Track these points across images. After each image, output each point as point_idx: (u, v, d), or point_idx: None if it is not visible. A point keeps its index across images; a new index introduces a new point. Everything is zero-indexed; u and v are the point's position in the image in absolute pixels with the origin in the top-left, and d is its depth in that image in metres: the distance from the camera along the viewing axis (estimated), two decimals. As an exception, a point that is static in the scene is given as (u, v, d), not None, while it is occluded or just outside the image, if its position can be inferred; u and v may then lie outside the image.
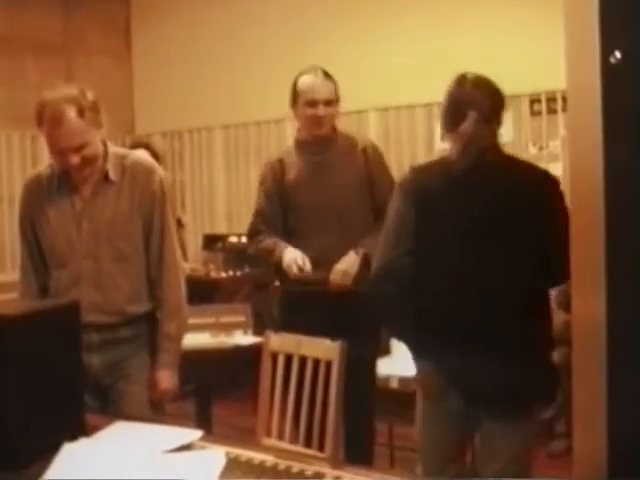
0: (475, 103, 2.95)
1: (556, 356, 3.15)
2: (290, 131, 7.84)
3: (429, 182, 2.95)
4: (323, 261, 3.93)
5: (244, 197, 8.26)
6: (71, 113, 2.92)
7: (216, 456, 1.83)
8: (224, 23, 8.21)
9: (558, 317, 3.44)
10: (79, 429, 1.97)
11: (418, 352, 3.05)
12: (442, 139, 3.14)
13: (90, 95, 3.02)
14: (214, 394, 4.70)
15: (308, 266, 3.90)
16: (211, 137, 8.51)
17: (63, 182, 3.10)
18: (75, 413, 2.01)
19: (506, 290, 2.81)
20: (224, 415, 5.14)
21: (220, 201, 8.50)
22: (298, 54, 7.69)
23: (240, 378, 5.35)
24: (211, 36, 8.33)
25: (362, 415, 4.10)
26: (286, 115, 7.71)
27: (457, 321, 2.82)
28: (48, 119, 2.92)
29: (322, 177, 4.01)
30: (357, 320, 3.84)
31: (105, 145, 3.14)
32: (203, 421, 4.37)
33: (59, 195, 3.10)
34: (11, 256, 7.73)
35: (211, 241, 8.08)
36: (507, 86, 6.30)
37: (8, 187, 7.87)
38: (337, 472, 2.10)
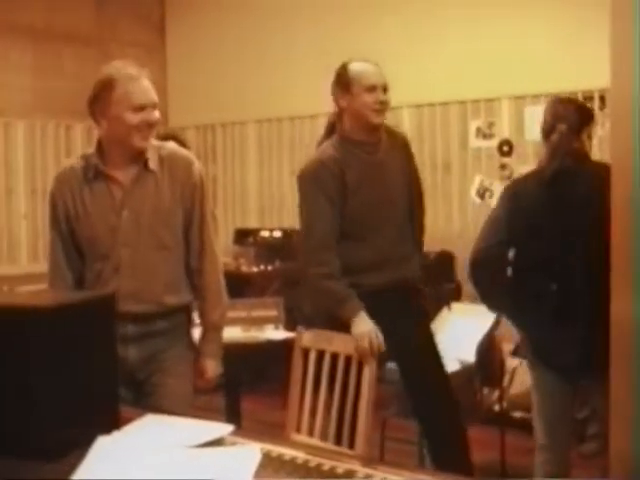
0: (564, 117, 3.52)
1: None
2: (323, 125, 7.83)
3: (526, 185, 3.62)
4: (382, 263, 3.80)
5: (276, 192, 8.27)
6: (145, 74, 3.11)
7: (251, 452, 1.82)
8: (259, 16, 8.20)
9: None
10: (113, 422, 1.97)
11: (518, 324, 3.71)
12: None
13: None
14: (243, 388, 4.70)
15: (381, 342, 3.57)
16: (244, 132, 8.52)
17: (99, 172, 3.08)
18: (110, 406, 2.01)
19: (586, 277, 3.36)
20: (253, 409, 5.14)
21: (252, 196, 8.50)
22: (332, 50, 7.67)
23: (269, 372, 5.36)
24: (245, 29, 8.32)
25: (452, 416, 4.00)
26: (320, 111, 7.78)
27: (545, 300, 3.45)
28: (129, 77, 3.04)
29: (380, 176, 3.82)
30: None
31: None
32: (232, 415, 4.37)
33: (96, 185, 3.09)
34: (44, 247, 7.80)
35: (242, 235, 8.10)
36: (543, 85, 6.31)
37: (42, 177, 7.92)
38: (368, 470, 2.08)
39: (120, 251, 3.07)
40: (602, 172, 3.10)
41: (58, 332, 1.83)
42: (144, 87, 3.05)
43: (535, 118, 6.53)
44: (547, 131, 3.58)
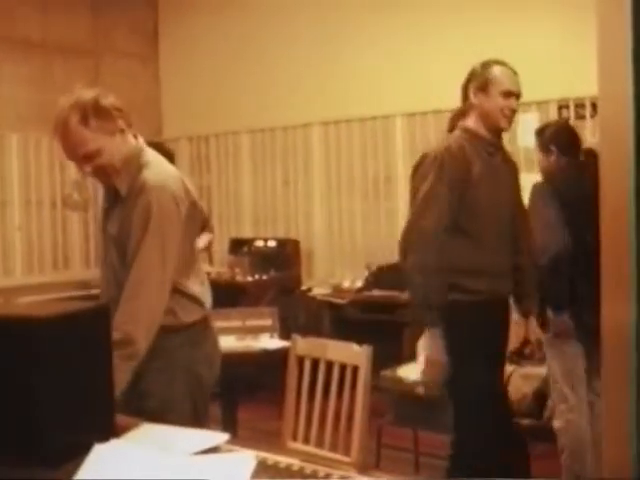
0: None
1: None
2: (317, 136, 7.87)
3: (563, 180, 4.27)
4: (496, 268, 3.73)
5: (270, 202, 8.29)
6: (73, 121, 2.81)
7: (246, 459, 1.83)
8: (251, 28, 8.23)
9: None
10: (110, 430, 1.98)
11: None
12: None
13: (104, 100, 2.89)
14: (240, 397, 4.70)
15: (440, 368, 3.61)
16: (238, 141, 8.54)
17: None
18: (106, 414, 2.02)
19: None
20: (249, 418, 5.14)
21: (246, 205, 8.52)
22: (325, 59, 7.72)
23: (266, 381, 5.36)
24: (238, 41, 8.35)
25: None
26: (313, 120, 7.83)
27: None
28: (54, 127, 2.85)
29: (497, 179, 3.78)
30: None
31: (134, 153, 3.00)
32: (228, 424, 4.37)
33: (105, 195, 3.12)
34: (39, 259, 7.86)
35: (237, 245, 8.12)
36: (535, 92, 6.33)
37: (36, 189, 7.94)
38: (363, 477, 2.10)
39: (103, 266, 3.11)
40: None
41: (53, 342, 1.84)
42: None
43: (527, 125, 6.58)
44: None
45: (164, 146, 6.00)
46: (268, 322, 4.61)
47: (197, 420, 2.96)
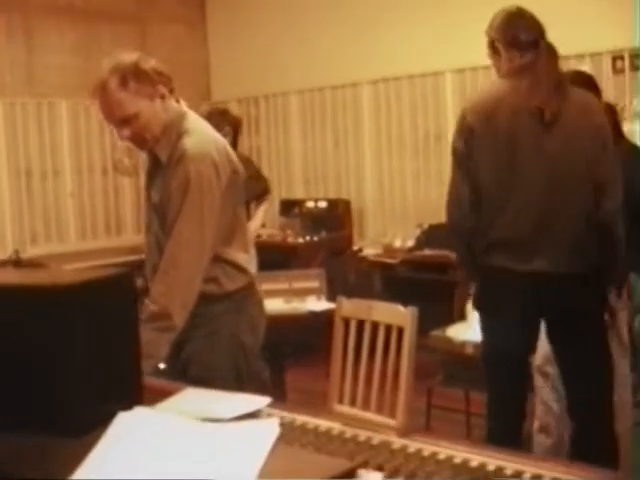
0: None
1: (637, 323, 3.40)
2: (366, 95, 7.79)
3: None
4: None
5: (320, 162, 8.25)
6: (112, 83, 2.79)
7: (269, 427, 1.80)
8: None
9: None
10: (136, 398, 1.97)
11: None
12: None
13: (145, 64, 2.85)
14: (289, 359, 4.71)
15: None
16: (287, 102, 8.50)
17: None
18: (132, 382, 2.00)
19: None
20: (298, 380, 5.15)
21: (297, 166, 8.49)
22: (373, 17, 7.62)
23: (313, 343, 5.36)
24: (285, 2, 8.29)
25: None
26: (362, 79, 7.74)
27: None
28: (93, 91, 2.83)
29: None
30: None
31: (175, 119, 2.96)
32: (276, 387, 4.37)
33: (147, 163, 3.11)
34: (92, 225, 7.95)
35: (288, 206, 8.11)
36: (588, 44, 6.18)
37: (87, 156, 7.99)
38: (404, 441, 2.06)
39: (150, 231, 3.10)
40: None
41: (77, 309, 1.83)
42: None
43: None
44: None
45: (229, 113, 5.97)
46: (315, 284, 4.59)
47: (241, 386, 2.95)
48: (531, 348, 3.50)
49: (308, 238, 7.42)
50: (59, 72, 7.73)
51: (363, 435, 2.11)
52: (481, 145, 3.25)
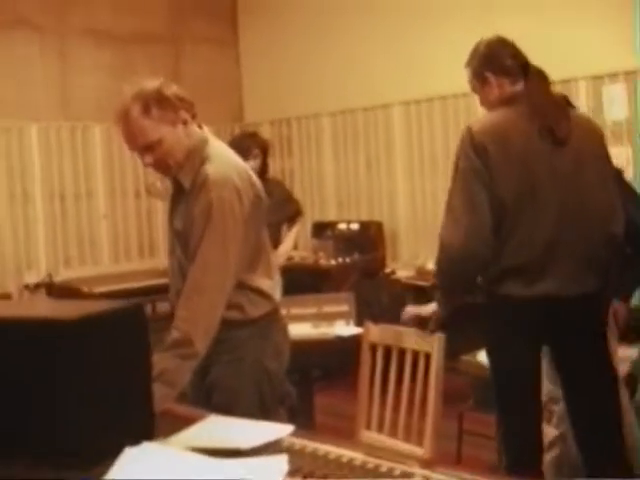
0: None
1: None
2: (398, 116, 7.77)
3: None
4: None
5: (353, 184, 8.23)
6: (134, 111, 2.78)
7: (278, 463, 1.78)
8: (331, 9, 8.16)
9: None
10: (147, 432, 1.95)
11: None
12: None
13: (167, 89, 2.85)
14: (317, 383, 4.68)
15: None
16: (319, 124, 8.49)
17: None
18: (142, 416, 1.99)
19: None
20: (327, 404, 5.11)
21: (329, 188, 8.47)
22: (405, 39, 7.61)
23: (343, 366, 5.31)
24: (318, 22, 8.30)
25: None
26: (393, 100, 7.72)
27: None
28: (116, 117, 2.84)
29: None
30: None
31: (198, 145, 2.95)
32: (305, 411, 4.34)
33: (170, 188, 3.08)
34: (125, 248, 7.98)
35: (321, 228, 8.09)
36: (621, 62, 6.12)
37: (120, 178, 8.04)
38: (426, 472, 2.02)
39: (173, 256, 3.08)
40: None
41: (84, 344, 1.82)
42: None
43: (614, 97, 6.37)
44: None
45: (258, 136, 5.97)
46: (344, 308, 4.56)
47: (265, 412, 2.92)
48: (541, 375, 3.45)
49: (340, 260, 7.38)
50: (93, 95, 7.77)
51: (385, 466, 2.07)
52: (496, 166, 3.17)
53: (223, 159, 2.97)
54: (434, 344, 3.12)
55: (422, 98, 7.54)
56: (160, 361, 2.61)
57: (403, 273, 7.20)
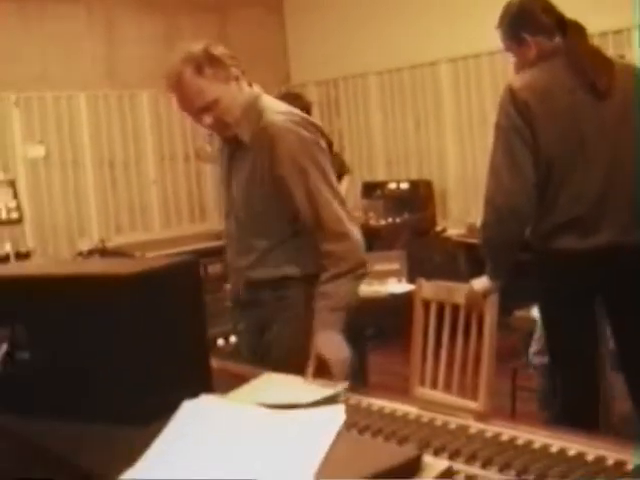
0: None
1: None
2: (446, 73, 7.70)
3: None
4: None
5: (401, 143, 8.19)
6: (187, 73, 2.76)
7: (335, 414, 1.78)
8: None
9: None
10: (205, 386, 1.97)
11: None
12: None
13: (215, 49, 2.84)
14: (370, 342, 4.69)
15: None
16: (366, 84, 8.45)
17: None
18: (200, 370, 2.01)
19: None
20: (380, 363, 5.12)
21: (378, 148, 8.44)
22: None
23: (395, 325, 5.32)
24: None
25: None
26: (440, 57, 7.65)
27: None
28: (169, 85, 2.82)
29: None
30: None
31: (252, 100, 2.95)
32: (359, 370, 4.35)
33: (225, 150, 3.08)
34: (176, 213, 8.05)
35: (370, 188, 8.06)
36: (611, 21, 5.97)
37: (169, 144, 8.09)
38: (481, 425, 2.02)
39: (227, 220, 3.09)
40: None
41: (141, 299, 1.83)
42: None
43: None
44: None
45: (302, 97, 5.97)
46: (396, 266, 4.56)
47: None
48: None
49: (390, 220, 7.37)
50: (140, 63, 7.82)
51: (440, 420, 2.07)
52: (540, 122, 3.15)
53: (282, 108, 2.97)
54: (488, 302, 3.13)
55: (470, 54, 7.45)
56: (339, 288, 2.83)
57: (454, 231, 7.18)
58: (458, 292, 3.30)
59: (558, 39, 3.29)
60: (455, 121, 7.74)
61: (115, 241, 7.54)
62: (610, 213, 3.20)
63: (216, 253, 5.48)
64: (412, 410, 2.15)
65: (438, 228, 7.43)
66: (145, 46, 7.89)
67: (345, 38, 8.37)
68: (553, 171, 3.17)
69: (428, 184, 7.73)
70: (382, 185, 7.97)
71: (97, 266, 2.24)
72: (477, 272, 3.46)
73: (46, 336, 1.98)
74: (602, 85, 3.18)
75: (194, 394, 1.84)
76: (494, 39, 6.70)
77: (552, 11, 3.34)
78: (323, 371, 2.67)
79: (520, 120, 3.17)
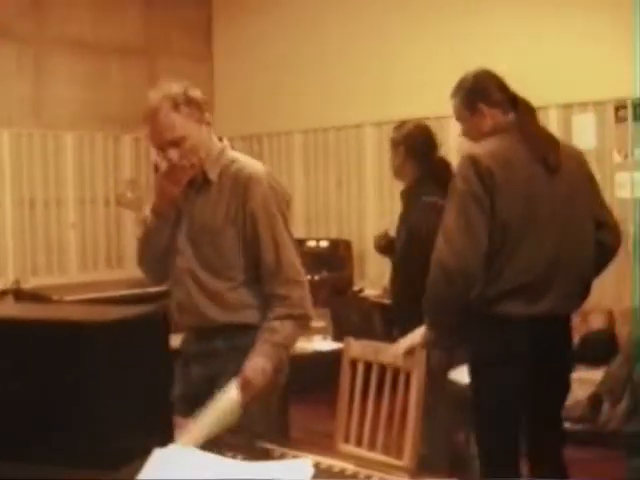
0: None
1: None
2: (370, 136, 7.84)
3: None
4: None
5: (322, 202, 8.27)
6: (164, 108, 2.92)
7: (304, 465, 1.82)
8: (306, 27, 8.24)
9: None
10: (168, 434, 1.98)
11: None
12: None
13: (193, 92, 3.01)
14: (291, 397, 4.69)
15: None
16: (291, 141, 8.54)
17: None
18: (164, 418, 2.01)
19: None
20: (302, 419, 5.13)
21: (299, 205, 8.50)
22: (380, 60, 7.70)
23: (318, 382, 5.34)
24: (292, 40, 8.36)
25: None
26: (366, 120, 7.80)
27: None
28: (145, 116, 2.97)
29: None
30: None
31: (220, 147, 3.09)
32: (280, 425, 4.36)
33: (185, 190, 3.11)
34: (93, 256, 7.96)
35: (289, 245, 8.08)
36: (592, 92, 6.25)
37: (90, 187, 8.04)
38: (417, 483, 2.08)
39: (178, 260, 3.11)
40: None
41: (111, 347, 1.84)
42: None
43: (583, 126, 6.50)
44: None
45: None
46: (320, 324, 4.61)
47: (268, 423, 3.00)
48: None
49: (309, 277, 7.39)
50: (67, 104, 7.80)
51: (376, 476, 2.12)
52: (500, 190, 3.25)
53: (253, 161, 3.13)
54: (415, 361, 3.19)
55: (394, 120, 7.60)
56: (286, 327, 2.99)
57: (371, 291, 7.27)
58: (385, 352, 3.36)
59: (511, 114, 3.43)
60: (376, 183, 7.87)
61: (31, 282, 7.42)
62: (557, 282, 3.32)
63: (133, 301, 5.45)
64: (349, 466, 2.19)
65: (356, 288, 7.51)
66: (73, 88, 7.88)
67: (273, 95, 8.46)
68: (506, 238, 3.28)
69: (347, 244, 7.82)
70: (302, 242, 8.02)
71: (65, 311, 2.23)
72: (391, 333, 3.54)
73: (11, 379, 1.96)
74: (552, 161, 3.33)
75: (160, 442, 1.85)
76: (420, 106, 6.91)
77: (505, 88, 3.49)
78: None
79: (480, 186, 3.24)
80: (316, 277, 7.42)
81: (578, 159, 3.52)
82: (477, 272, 3.27)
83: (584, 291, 3.47)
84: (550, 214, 3.32)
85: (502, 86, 3.49)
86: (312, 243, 7.91)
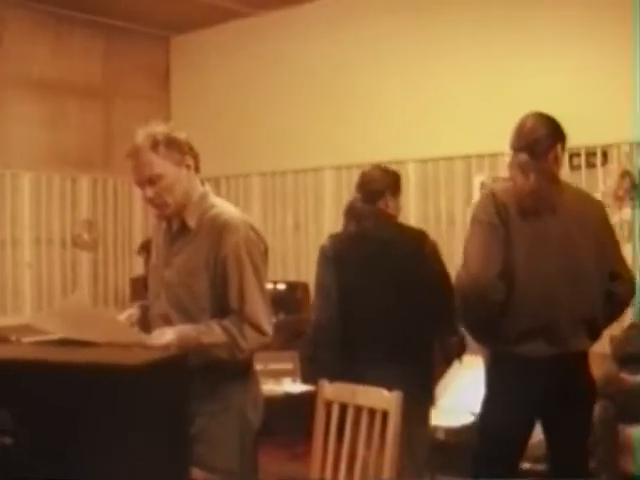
0: None
1: (597, 409, 3.68)
2: (328, 180, 7.89)
3: None
4: None
5: (280, 245, 8.28)
6: (145, 147, 3.02)
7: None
8: (262, 72, 8.31)
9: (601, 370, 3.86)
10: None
11: None
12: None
13: (177, 134, 3.14)
14: (260, 439, 4.67)
15: None
16: (248, 184, 8.56)
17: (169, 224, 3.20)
18: (182, 466, 1.97)
19: None
20: (269, 461, 5.09)
21: (256, 248, 8.48)
22: (335, 104, 7.78)
23: (288, 424, 5.32)
24: (249, 84, 8.43)
25: None
26: (324, 164, 7.85)
27: None
28: (128, 152, 3.06)
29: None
30: None
31: (202, 192, 3.19)
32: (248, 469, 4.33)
33: (163, 234, 3.23)
34: (48, 297, 7.86)
35: (246, 287, 8.06)
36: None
37: (46, 228, 7.97)
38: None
39: (159, 304, 3.15)
40: None
41: (136, 391, 1.75)
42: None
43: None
44: None
45: None
46: (289, 366, 4.61)
47: (244, 464, 3.00)
48: None
49: (266, 320, 7.38)
50: (24, 144, 7.76)
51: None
52: (515, 227, 3.45)
53: (231, 208, 3.22)
54: (392, 402, 3.21)
55: (353, 164, 7.68)
56: (220, 333, 2.99)
57: (330, 333, 7.25)
58: (361, 394, 3.37)
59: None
60: (335, 226, 7.90)
61: (-16, 323, 7.31)
62: (565, 323, 3.47)
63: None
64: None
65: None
66: (31, 128, 7.84)
67: (231, 137, 8.49)
68: (522, 277, 3.43)
69: (305, 286, 7.83)
70: (258, 285, 8.01)
71: (87, 354, 2.17)
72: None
73: (30, 422, 1.91)
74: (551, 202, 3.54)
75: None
76: (379, 150, 6.99)
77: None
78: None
79: (497, 218, 3.44)
80: (273, 320, 7.38)
81: (591, 206, 3.71)
82: (494, 295, 3.42)
83: (596, 330, 3.60)
84: (560, 252, 3.49)
85: None
86: (269, 286, 7.87)
